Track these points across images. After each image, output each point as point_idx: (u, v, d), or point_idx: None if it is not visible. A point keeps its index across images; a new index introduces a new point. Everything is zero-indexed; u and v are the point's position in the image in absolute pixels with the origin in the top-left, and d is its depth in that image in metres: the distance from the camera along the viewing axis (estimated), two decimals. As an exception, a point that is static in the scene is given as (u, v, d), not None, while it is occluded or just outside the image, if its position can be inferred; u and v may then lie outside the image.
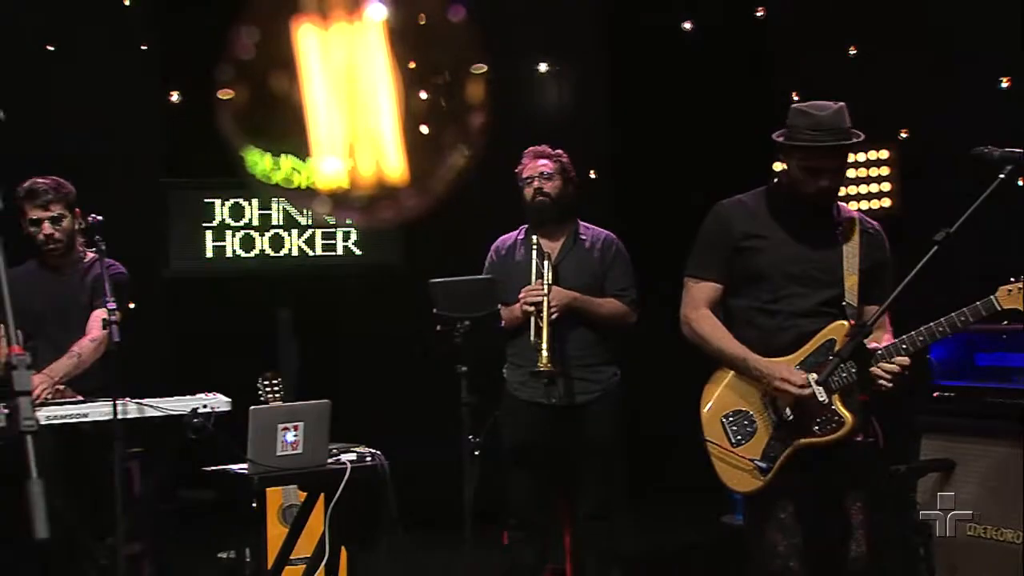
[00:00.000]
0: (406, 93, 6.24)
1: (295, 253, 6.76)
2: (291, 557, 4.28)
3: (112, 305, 3.87)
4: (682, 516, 6.49)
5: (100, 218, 4.13)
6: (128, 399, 3.89)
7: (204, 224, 6.65)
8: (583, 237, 4.68)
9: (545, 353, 4.36)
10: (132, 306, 4.53)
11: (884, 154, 6.44)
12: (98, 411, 3.86)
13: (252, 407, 3.95)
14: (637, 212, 6.59)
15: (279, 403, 4.50)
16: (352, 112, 6.19)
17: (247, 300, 6.67)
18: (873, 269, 3.50)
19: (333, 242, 6.82)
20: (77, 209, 4.43)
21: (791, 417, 3.39)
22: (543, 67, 7.04)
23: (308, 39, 6.09)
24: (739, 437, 3.44)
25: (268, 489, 4.40)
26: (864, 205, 6.39)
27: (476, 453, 4.24)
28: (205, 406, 4.00)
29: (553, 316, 4.43)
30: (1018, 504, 4.08)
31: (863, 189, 6.49)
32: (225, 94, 6.11)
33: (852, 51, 6.48)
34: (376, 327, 6.62)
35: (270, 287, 6.81)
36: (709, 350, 3.51)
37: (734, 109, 6.79)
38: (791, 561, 3.37)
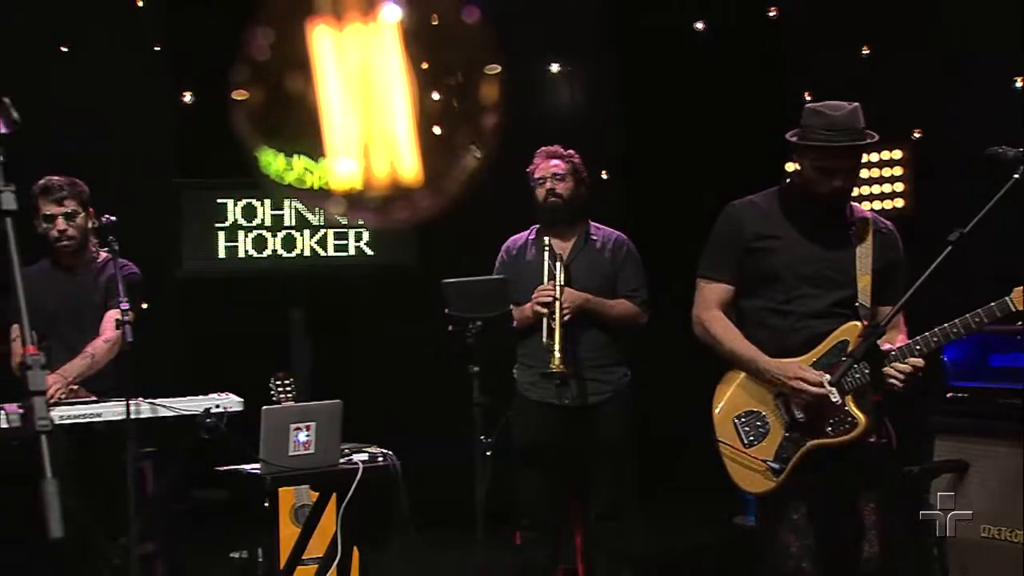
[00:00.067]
0: (420, 94, 6.25)
1: (307, 253, 6.78)
2: (303, 557, 4.29)
3: (125, 305, 3.88)
4: (694, 517, 6.48)
5: (113, 218, 4.14)
6: (141, 399, 3.90)
7: (216, 224, 6.67)
8: (594, 238, 4.67)
9: (558, 355, 4.36)
10: (145, 306, 4.54)
11: (897, 154, 6.42)
12: (111, 411, 3.87)
13: (264, 407, 3.95)
14: (648, 212, 6.59)
15: (291, 403, 4.50)
16: (367, 113, 6.20)
17: (259, 300, 6.68)
18: (886, 269, 3.49)
19: (345, 242, 6.83)
20: (91, 208, 4.45)
21: (804, 418, 3.38)
22: (555, 67, 7.04)
23: (323, 40, 6.10)
24: (751, 438, 3.43)
25: (280, 489, 4.41)
26: (877, 205, 6.37)
27: (488, 453, 4.23)
28: (218, 406, 4.01)
29: (566, 318, 4.43)
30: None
31: (876, 189, 6.48)
32: (239, 95, 6.12)
33: (865, 51, 6.46)
34: (388, 327, 6.63)
35: (282, 287, 6.83)
36: (721, 351, 3.51)
37: (746, 109, 6.78)
38: (804, 562, 3.36)
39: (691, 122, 6.99)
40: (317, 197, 6.52)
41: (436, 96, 6.42)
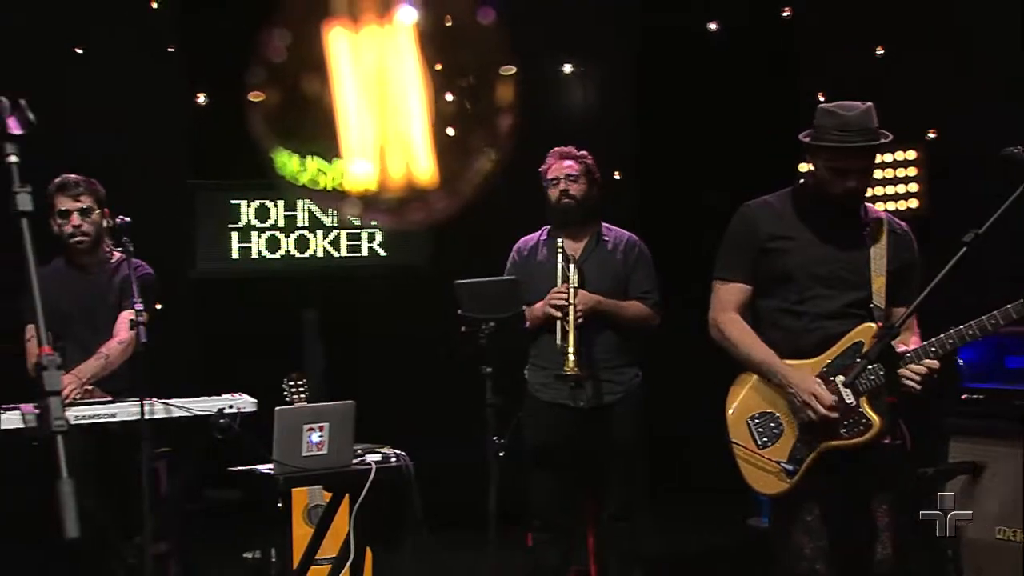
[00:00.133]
0: (435, 96, 6.25)
1: (320, 254, 6.80)
2: (316, 557, 4.29)
3: (139, 306, 3.90)
4: (707, 518, 6.46)
5: (128, 219, 4.16)
6: (155, 399, 3.91)
7: (230, 225, 6.69)
8: (606, 239, 4.66)
9: (572, 357, 4.35)
10: (159, 307, 4.55)
11: (911, 155, 6.40)
12: (126, 411, 3.88)
13: (277, 408, 3.96)
14: (661, 213, 6.58)
15: (304, 404, 4.51)
16: (382, 115, 6.21)
17: (273, 301, 6.70)
18: (901, 270, 3.47)
19: (358, 243, 6.85)
20: (106, 209, 4.46)
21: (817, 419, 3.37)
22: (568, 68, 7.04)
23: (339, 42, 6.11)
24: (765, 439, 3.43)
25: (293, 489, 4.41)
26: (891, 206, 6.35)
27: (500, 454, 4.23)
28: (231, 406, 4.02)
29: (579, 320, 4.42)
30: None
31: (890, 190, 6.45)
32: (255, 96, 6.14)
33: (879, 51, 6.44)
34: (401, 328, 6.63)
35: (296, 288, 6.84)
36: (736, 354, 3.49)
37: (760, 110, 6.77)
38: (817, 564, 3.35)
39: (704, 123, 6.98)
40: (331, 198, 6.54)
41: (450, 97, 6.42)
